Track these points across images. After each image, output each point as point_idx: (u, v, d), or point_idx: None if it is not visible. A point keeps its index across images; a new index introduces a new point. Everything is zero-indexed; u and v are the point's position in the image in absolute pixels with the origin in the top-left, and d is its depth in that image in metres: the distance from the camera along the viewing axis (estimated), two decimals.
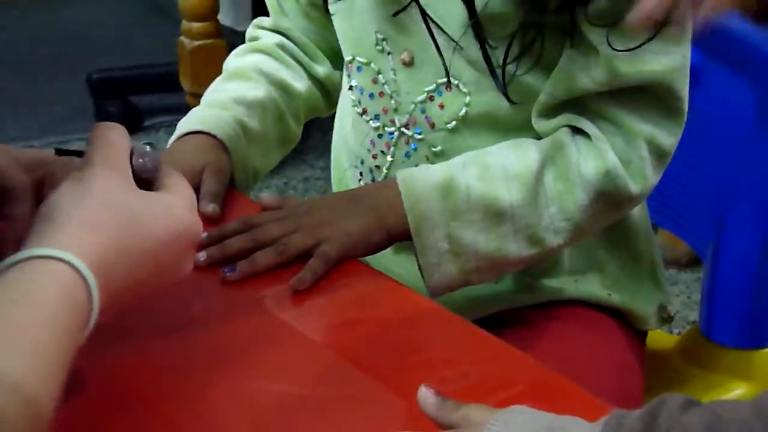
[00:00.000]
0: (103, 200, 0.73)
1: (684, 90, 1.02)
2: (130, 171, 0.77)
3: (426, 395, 0.73)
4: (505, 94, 1.03)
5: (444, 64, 1.04)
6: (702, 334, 1.28)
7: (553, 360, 0.84)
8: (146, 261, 0.75)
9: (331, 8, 1.14)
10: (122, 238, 0.73)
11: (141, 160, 0.79)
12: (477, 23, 1.01)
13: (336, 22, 1.14)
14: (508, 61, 1.01)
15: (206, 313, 0.90)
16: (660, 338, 1.37)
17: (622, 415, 0.64)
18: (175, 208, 0.78)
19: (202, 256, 0.95)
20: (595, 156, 1.01)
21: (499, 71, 1.02)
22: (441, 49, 1.02)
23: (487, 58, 1.01)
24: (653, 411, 0.63)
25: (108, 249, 0.71)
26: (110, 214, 0.73)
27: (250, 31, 1.25)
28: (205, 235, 0.97)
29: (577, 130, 1.02)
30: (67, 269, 0.68)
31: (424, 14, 1.03)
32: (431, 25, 1.03)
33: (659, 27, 0.94)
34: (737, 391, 1.23)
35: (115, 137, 0.79)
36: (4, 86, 3.24)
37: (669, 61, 0.99)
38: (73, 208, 0.72)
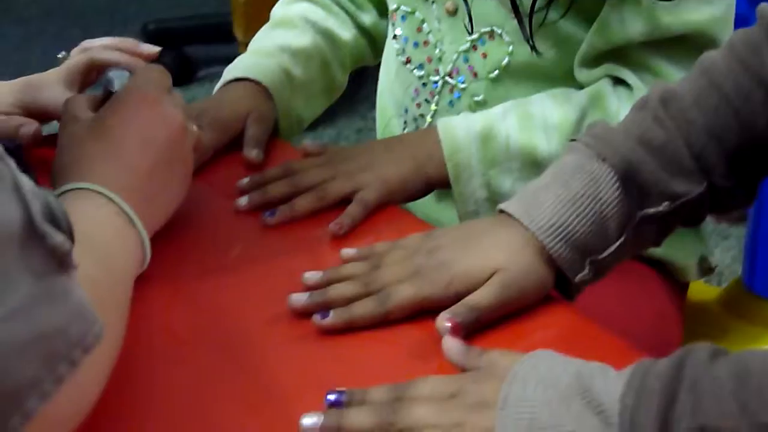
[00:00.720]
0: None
1: None
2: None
3: (451, 343, 0.75)
4: (531, 42, 1.03)
5: (469, 14, 1.03)
6: (745, 287, 1.28)
7: (590, 308, 0.84)
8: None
9: None
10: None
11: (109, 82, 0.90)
12: None
13: None
14: (536, 8, 1.00)
15: (246, 255, 0.91)
16: (704, 290, 1.37)
17: (650, 364, 0.65)
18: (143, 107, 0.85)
19: (243, 200, 0.96)
20: None
21: (527, 20, 1.02)
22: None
23: (514, 4, 1.01)
24: (680, 361, 0.64)
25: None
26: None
27: None
28: (247, 180, 0.99)
29: (618, 81, 1.02)
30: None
31: None
32: None
33: None
34: None
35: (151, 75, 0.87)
36: (61, 36, 3.28)
37: (712, 11, 0.98)
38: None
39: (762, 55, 0.86)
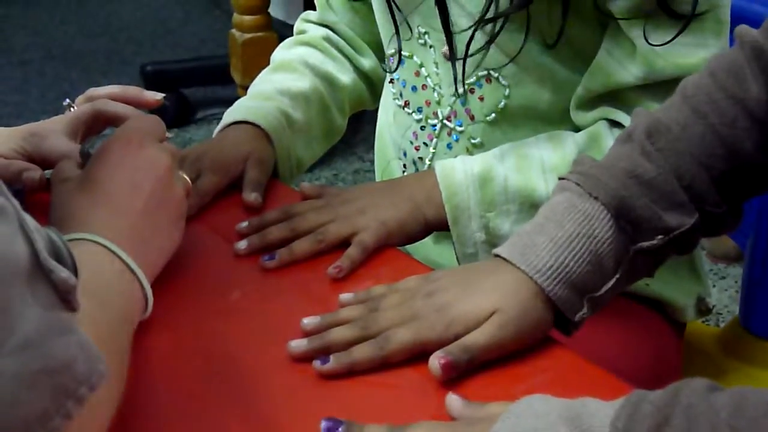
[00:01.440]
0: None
1: None
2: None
3: (452, 399, 0.76)
4: (458, 88, 1.05)
5: (453, 59, 1.04)
6: (742, 327, 1.28)
7: (587, 349, 0.85)
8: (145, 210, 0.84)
9: (374, 3, 1.15)
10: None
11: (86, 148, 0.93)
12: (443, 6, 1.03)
13: (377, 12, 1.16)
14: (472, 52, 1.02)
15: (246, 300, 0.92)
16: (701, 330, 1.37)
17: (645, 393, 0.65)
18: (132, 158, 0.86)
19: (243, 244, 0.97)
20: None
21: (460, 63, 1.03)
22: (473, 40, 1.02)
23: (450, 47, 1.02)
24: (676, 389, 0.64)
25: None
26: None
27: (298, 25, 1.27)
28: (246, 224, 0.99)
29: (614, 123, 1.03)
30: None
31: (442, 8, 1.04)
32: (454, 15, 1.04)
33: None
34: None
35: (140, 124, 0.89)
36: (59, 79, 3.29)
37: (706, 53, 0.99)
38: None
39: (744, 81, 0.87)
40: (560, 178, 0.88)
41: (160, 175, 0.86)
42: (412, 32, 1.10)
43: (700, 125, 0.87)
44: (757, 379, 1.22)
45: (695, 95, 0.89)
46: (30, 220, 0.58)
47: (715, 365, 1.24)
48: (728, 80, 0.88)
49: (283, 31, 2.55)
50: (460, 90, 1.05)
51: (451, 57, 1.04)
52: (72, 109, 1.08)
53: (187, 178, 0.92)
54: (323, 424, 0.72)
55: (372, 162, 2.91)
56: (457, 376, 0.79)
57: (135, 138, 0.87)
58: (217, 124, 1.15)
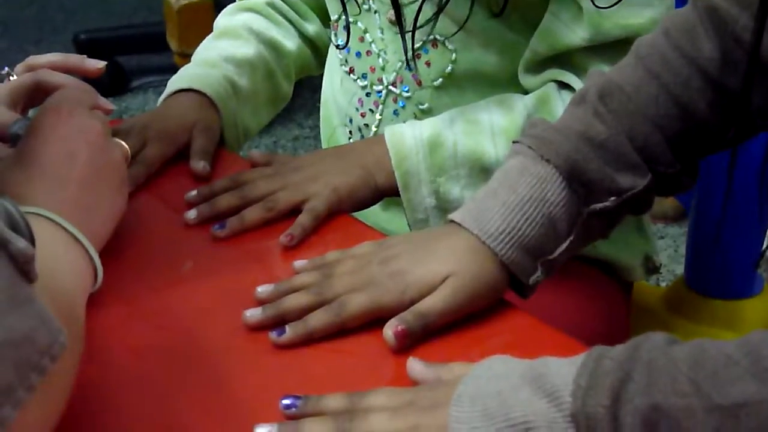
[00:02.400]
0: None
1: None
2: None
3: (413, 362, 0.76)
4: (408, 58, 1.04)
5: (402, 32, 1.03)
6: (687, 286, 1.30)
7: (538, 310, 0.85)
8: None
9: None
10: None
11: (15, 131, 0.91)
12: None
13: None
14: (420, 22, 1.01)
15: (198, 270, 0.91)
16: (647, 290, 1.39)
17: (605, 349, 0.66)
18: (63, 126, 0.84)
19: (192, 214, 0.96)
20: None
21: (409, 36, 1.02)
22: (424, 5, 1.02)
23: (399, 19, 1.02)
24: (636, 344, 0.64)
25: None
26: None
27: None
28: (194, 192, 0.98)
29: (563, 85, 1.04)
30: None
31: None
32: None
33: None
34: None
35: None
36: None
37: (652, 14, 1.00)
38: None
39: (697, 40, 0.88)
40: (514, 142, 0.88)
41: (93, 140, 0.85)
42: (359, 6, 1.09)
43: (653, 86, 0.88)
44: (705, 335, 1.24)
45: (649, 55, 0.89)
46: None
47: (662, 323, 1.26)
48: (682, 39, 0.88)
49: None
50: (409, 56, 1.05)
51: (400, 29, 1.03)
52: (11, 78, 1.05)
53: (123, 143, 0.91)
54: (282, 403, 0.72)
55: (311, 128, 2.88)
56: (411, 343, 0.79)
57: (64, 107, 0.85)
58: (153, 92, 1.14)
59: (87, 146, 0.84)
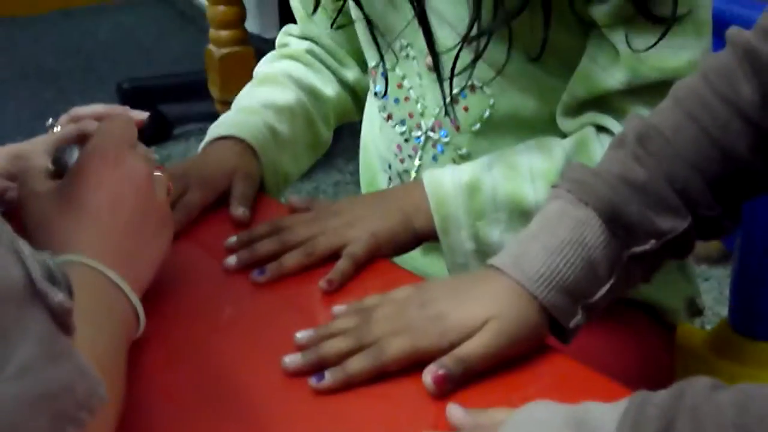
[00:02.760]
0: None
1: None
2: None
3: (453, 408, 0.75)
4: (447, 106, 1.05)
5: (440, 80, 1.04)
6: (732, 328, 1.28)
7: (580, 353, 0.85)
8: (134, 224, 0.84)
9: (354, 16, 1.15)
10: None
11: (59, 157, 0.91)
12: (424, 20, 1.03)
13: (359, 29, 1.16)
14: (459, 70, 1.01)
15: (238, 316, 0.91)
16: (691, 332, 1.37)
17: (648, 394, 0.65)
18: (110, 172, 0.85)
19: (232, 260, 0.96)
20: None
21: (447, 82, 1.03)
22: (461, 52, 1.03)
23: (437, 67, 1.02)
24: (680, 390, 0.64)
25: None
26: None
27: (280, 38, 1.27)
28: (234, 239, 0.99)
29: (601, 128, 1.03)
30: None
31: (423, 21, 1.04)
32: (435, 27, 1.04)
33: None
34: None
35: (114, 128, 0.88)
36: (34, 98, 3.28)
37: (689, 55, 0.99)
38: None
39: (736, 82, 0.88)
40: (553, 186, 0.88)
41: (140, 185, 0.85)
42: (396, 54, 1.10)
43: (692, 129, 0.87)
44: (750, 378, 1.22)
45: (687, 98, 0.89)
46: (23, 243, 0.58)
47: (706, 366, 1.24)
48: (720, 83, 0.88)
49: (259, 45, 2.55)
50: (447, 102, 1.05)
51: (438, 76, 1.03)
52: (55, 129, 1.06)
53: (163, 175, 0.90)
54: None
55: (352, 174, 2.89)
56: (451, 388, 0.79)
57: (111, 152, 0.86)
58: (195, 139, 1.15)
59: (133, 192, 0.85)
